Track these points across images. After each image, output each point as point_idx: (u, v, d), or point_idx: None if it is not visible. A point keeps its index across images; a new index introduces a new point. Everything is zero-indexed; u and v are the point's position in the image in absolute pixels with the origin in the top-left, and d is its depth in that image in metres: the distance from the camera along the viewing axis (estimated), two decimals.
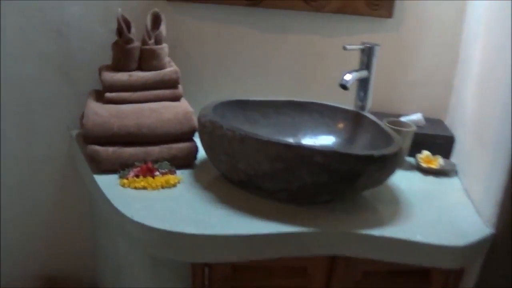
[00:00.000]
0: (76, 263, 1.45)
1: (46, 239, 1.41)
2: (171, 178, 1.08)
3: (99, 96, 1.18)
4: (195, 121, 1.14)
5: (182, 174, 1.12)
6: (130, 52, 1.17)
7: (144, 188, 1.05)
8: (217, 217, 0.97)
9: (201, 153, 1.14)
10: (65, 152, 1.32)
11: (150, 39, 1.19)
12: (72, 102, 1.29)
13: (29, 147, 1.30)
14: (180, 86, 1.21)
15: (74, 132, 1.29)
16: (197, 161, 1.18)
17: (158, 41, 1.20)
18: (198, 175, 1.13)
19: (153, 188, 1.05)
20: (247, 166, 0.99)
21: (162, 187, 1.06)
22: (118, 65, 1.19)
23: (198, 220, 0.95)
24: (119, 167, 1.10)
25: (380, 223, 1.00)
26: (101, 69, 1.21)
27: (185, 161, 1.15)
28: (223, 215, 0.98)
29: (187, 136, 1.15)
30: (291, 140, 1.21)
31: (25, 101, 1.27)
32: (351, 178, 0.97)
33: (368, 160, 0.95)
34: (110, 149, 1.10)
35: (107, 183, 1.07)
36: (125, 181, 1.06)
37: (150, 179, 1.06)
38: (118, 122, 1.10)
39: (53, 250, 1.42)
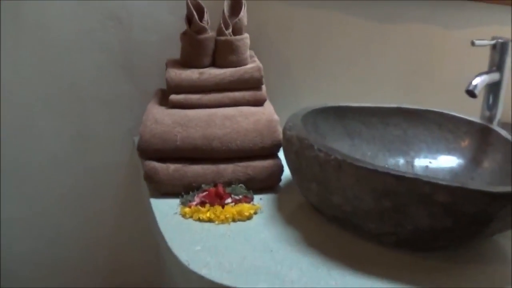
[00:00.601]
0: (139, 277, 1.24)
1: (108, 252, 1.22)
2: (245, 207, 0.83)
3: (165, 98, 0.96)
4: (280, 133, 0.89)
5: (260, 201, 0.88)
6: (201, 44, 0.94)
7: (211, 220, 0.82)
8: (300, 268, 0.72)
9: (287, 172, 0.88)
10: (127, 161, 1.12)
11: (227, 28, 0.95)
12: (135, 102, 1.08)
13: (85, 155, 1.10)
14: (263, 87, 0.96)
15: (137, 138, 1.07)
16: (282, 183, 0.93)
17: (237, 31, 0.96)
18: (281, 202, 0.88)
19: (222, 222, 0.81)
20: (343, 201, 0.73)
21: (234, 220, 0.82)
22: (187, 60, 0.96)
23: (275, 273, 0.70)
24: (182, 190, 0.88)
25: None
26: (167, 65, 0.99)
27: (266, 184, 0.90)
28: (308, 265, 0.72)
29: (269, 152, 0.90)
30: (401, 160, 0.94)
31: (80, 101, 1.07)
32: (481, 222, 0.69)
33: (506, 199, 0.67)
34: (172, 166, 0.88)
35: (165, 210, 0.85)
36: (187, 209, 0.83)
37: (218, 208, 0.83)
38: (183, 133, 0.88)
39: (115, 264, 1.23)
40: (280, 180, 0.91)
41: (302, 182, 0.80)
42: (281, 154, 0.89)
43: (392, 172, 0.68)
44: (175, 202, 0.87)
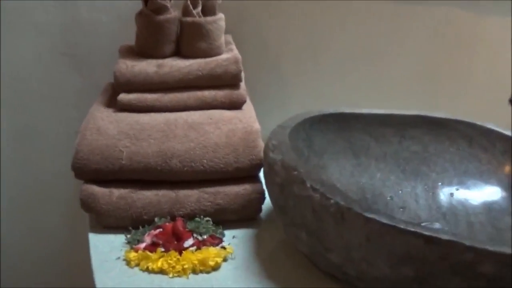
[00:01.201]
0: None
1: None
2: (211, 253, 0.61)
3: (116, 96, 0.73)
4: (262, 148, 0.67)
5: (233, 240, 0.66)
6: (161, 27, 0.72)
7: (163, 272, 0.60)
8: None
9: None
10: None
11: (195, 7, 0.72)
12: (82, 98, 0.85)
13: (29, 157, 0.88)
14: (242, 85, 0.74)
15: None
16: (263, 213, 0.71)
17: (209, 11, 0.73)
18: (261, 242, 0.67)
19: (178, 274, 0.60)
20: (345, 262, 0.52)
21: (194, 272, 0.60)
22: (143, 48, 0.74)
23: None
24: (129, 223, 0.66)
25: None
26: (120, 53, 0.76)
27: (241, 216, 0.69)
28: None
29: (246, 174, 0.68)
30: (419, 186, 0.72)
31: (17, 96, 0.84)
32: None
33: None
34: (116, 192, 0.66)
35: (104, 252, 0.63)
36: (132, 254, 0.61)
37: (174, 255, 0.61)
38: (131, 147, 0.65)
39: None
40: (260, 210, 0.69)
41: (288, 227, 0.59)
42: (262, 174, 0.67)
43: (421, 232, 0.46)
44: (120, 239, 0.65)
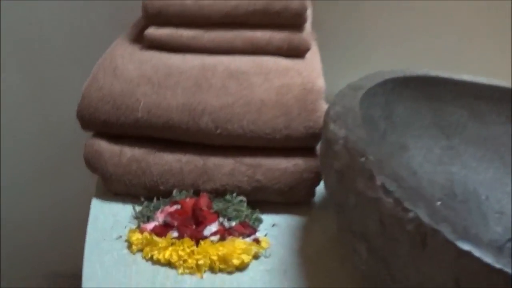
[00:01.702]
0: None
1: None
2: (239, 247, 0.46)
3: (141, 35, 0.57)
4: (322, 111, 0.50)
5: (272, 230, 0.51)
6: None
7: (171, 265, 0.46)
8: None
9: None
10: None
11: None
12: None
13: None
14: (307, 27, 0.56)
15: None
16: (317, 196, 0.54)
17: None
18: (309, 235, 0.51)
19: (190, 271, 0.45)
20: None
21: (213, 270, 0.46)
22: None
23: None
24: (141, 192, 0.51)
25: None
26: None
27: (287, 199, 0.53)
28: None
29: (299, 145, 0.52)
30: None
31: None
32: None
33: None
34: (128, 152, 0.51)
35: (104, 228, 0.49)
36: (136, 237, 0.47)
37: (188, 244, 0.46)
38: (152, 96, 0.50)
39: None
40: (313, 194, 0.53)
41: (344, 233, 0.42)
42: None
43: None
44: (128, 211, 0.51)
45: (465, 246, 0.30)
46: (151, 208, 0.50)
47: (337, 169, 0.40)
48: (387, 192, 0.34)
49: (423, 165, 0.52)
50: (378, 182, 0.35)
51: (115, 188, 0.52)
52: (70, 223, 0.77)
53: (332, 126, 0.42)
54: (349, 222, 0.39)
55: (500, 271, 0.29)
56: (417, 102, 0.53)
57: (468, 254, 0.30)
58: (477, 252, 0.30)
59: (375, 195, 0.35)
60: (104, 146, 0.51)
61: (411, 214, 0.32)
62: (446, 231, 0.31)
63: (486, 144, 0.55)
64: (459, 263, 0.30)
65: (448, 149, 0.54)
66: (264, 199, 0.52)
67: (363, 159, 0.37)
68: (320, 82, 0.53)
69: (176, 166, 0.51)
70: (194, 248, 0.46)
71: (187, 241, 0.46)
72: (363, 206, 0.36)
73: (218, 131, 0.50)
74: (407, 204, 0.33)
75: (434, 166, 0.52)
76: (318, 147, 0.50)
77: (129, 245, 0.47)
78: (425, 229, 0.32)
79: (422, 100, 0.53)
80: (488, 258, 0.29)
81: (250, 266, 0.46)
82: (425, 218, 0.32)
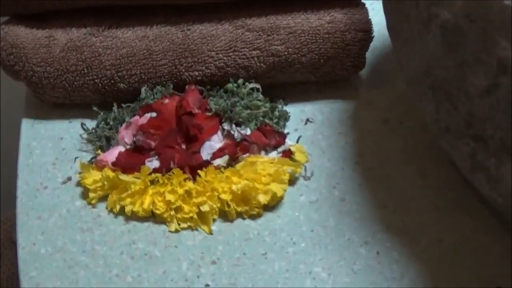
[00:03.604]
0: None
1: None
2: (263, 170, 0.27)
3: None
4: None
5: (306, 129, 0.31)
6: None
7: (158, 220, 0.27)
8: None
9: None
10: None
11: None
12: None
13: None
14: None
15: None
16: (369, 65, 0.34)
17: None
18: (360, 122, 0.32)
19: (189, 225, 0.27)
20: None
21: (227, 217, 0.27)
22: None
23: None
24: (92, 98, 0.32)
25: None
26: None
27: (322, 75, 0.33)
28: None
29: None
30: None
31: None
32: None
33: None
34: (63, 37, 0.31)
35: (42, 164, 0.30)
36: (92, 177, 0.28)
37: (178, 177, 0.27)
38: None
39: None
40: (362, 64, 0.33)
41: (408, 62, 0.23)
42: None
43: None
44: (76, 132, 0.32)
45: None
46: (110, 124, 0.31)
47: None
48: None
49: None
50: None
51: (50, 97, 0.32)
52: None
53: None
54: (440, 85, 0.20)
55: None
56: None
57: None
58: None
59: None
60: (24, 35, 0.31)
61: None
62: None
63: None
64: None
65: None
66: (286, 82, 0.33)
67: None
68: None
69: (140, 46, 0.31)
70: (190, 184, 0.27)
71: (177, 174, 0.27)
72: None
73: None
74: None
75: None
76: None
77: (84, 192, 0.28)
78: None
79: None
80: None
81: (285, 199, 0.28)
82: None
